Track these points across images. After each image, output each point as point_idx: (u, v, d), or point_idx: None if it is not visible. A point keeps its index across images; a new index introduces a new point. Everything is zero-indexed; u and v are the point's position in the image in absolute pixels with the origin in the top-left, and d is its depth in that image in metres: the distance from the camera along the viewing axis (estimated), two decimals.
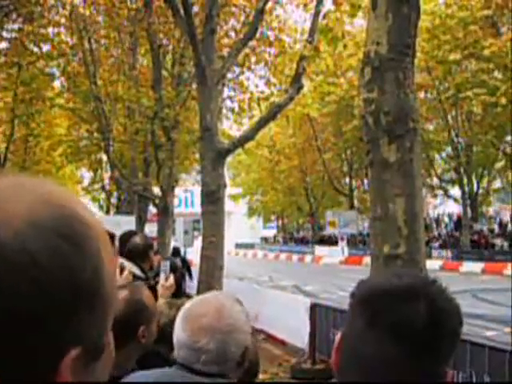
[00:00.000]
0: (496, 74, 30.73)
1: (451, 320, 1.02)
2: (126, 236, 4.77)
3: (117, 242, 4.37)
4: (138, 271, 4.24)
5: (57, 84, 22.18)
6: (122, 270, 3.78)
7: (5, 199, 0.55)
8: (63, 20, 17.65)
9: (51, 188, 0.59)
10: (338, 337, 1.07)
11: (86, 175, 37.18)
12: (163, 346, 2.46)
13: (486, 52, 28.50)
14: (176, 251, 13.83)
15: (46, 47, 18.02)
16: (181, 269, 13.35)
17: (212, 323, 1.73)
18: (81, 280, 0.55)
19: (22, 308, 0.52)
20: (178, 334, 1.76)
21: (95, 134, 21.88)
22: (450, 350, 1.03)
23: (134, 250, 4.36)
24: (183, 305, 1.83)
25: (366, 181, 38.13)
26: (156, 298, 3.29)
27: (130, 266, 4.27)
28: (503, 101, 28.71)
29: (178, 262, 11.35)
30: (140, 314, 2.28)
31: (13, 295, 0.51)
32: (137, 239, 4.54)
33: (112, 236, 3.08)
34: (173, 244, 16.15)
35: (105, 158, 24.64)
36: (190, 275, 14.01)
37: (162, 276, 3.44)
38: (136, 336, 2.26)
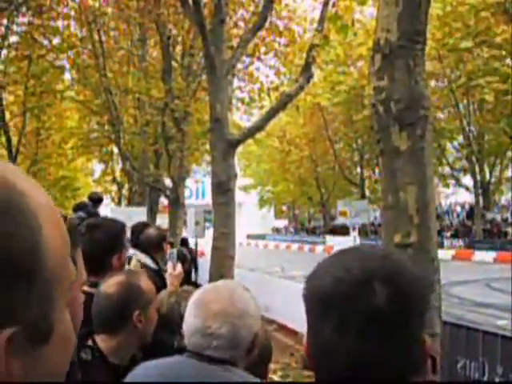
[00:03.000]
0: (508, 61, 30.44)
1: (415, 292, 0.96)
2: (139, 227, 4.86)
3: (129, 233, 4.42)
4: (150, 262, 4.29)
5: (67, 77, 22.26)
6: (129, 260, 3.83)
7: None
8: (72, 12, 17.67)
9: None
10: (304, 340, 1.04)
11: (97, 167, 37.34)
12: (166, 334, 2.47)
13: (498, 39, 28.24)
14: (184, 241, 13.88)
15: (55, 40, 18.07)
16: (189, 259, 13.40)
17: (224, 308, 1.76)
18: (11, 254, 0.50)
19: None
20: (190, 320, 1.78)
21: (106, 127, 21.95)
22: (421, 319, 0.98)
23: (147, 241, 4.44)
24: (186, 293, 1.85)
25: (377, 170, 37.98)
26: (166, 287, 3.31)
27: (143, 257, 4.32)
28: None
29: (187, 252, 11.39)
30: (134, 297, 2.28)
31: None
32: (151, 231, 4.63)
33: (123, 226, 3.09)
34: (184, 234, 16.22)
35: (116, 150, 24.72)
36: (196, 267, 14.04)
37: (170, 264, 3.45)
38: (131, 320, 2.26)
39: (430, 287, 0.99)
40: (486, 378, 6.22)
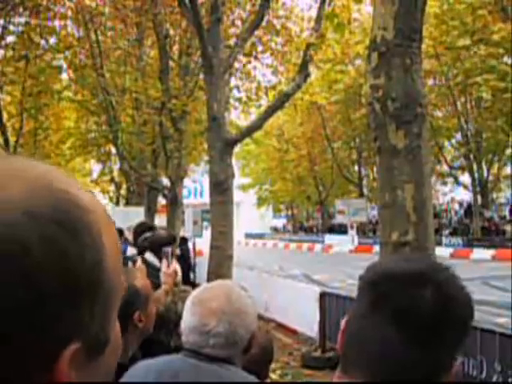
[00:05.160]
0: (505, 59, 30.44)
1: (460, 308, 0.98)
2: (141, 227, 5.00)
3: (127, 234, 4.48)
4: (157, 262, 4.33)
5: (64, 77, 22.22)
6: (134, 262, 3.86)
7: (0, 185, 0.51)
8: (69, 12, 17.64)
9: (49, 171, 0.54)
10: (344, 320, 1.05)
11: (95, 167, 37.30)
12: (163, 333, 2.47)
13: (495, 37, 28.23)
14: (184, 240, 13.88)
15: (52, 40, 18.04)
16: (188, 258, 13.38)
17: (221, 306, 1.77)
18: (78, 271, 0.51)
19: (10, 301, 0.48)
20: (187, 319, 1.79)
21: (103, 126, 21.92)
22: (458, 339, 1.00)
23: (156, 241, 4.51)
24: (182, 293, 1.85)
25: (375, 169, 38.01)
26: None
27: (150, 256, 4.38)
28: None
29: (186, 251, 11.42)
30: (132, 299, 2.28)
31: (1, 287, 0.48)
32: (162, 232, 4.82)
33: (120, 230, 3.10)
34: (181, 234, 16.20)
35: (113, 150, 24.70)
36: (190, 267, 14.04)
37: (164, 262, 3.44)
38: (132, 321, 2.26)
39: (472, 312, 1.01)
40: (484, 376, 6.23)
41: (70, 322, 0.51)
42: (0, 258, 0.48)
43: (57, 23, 17.44)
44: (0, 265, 0.48)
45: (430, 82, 33.14)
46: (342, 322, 1.05)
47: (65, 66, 19.97)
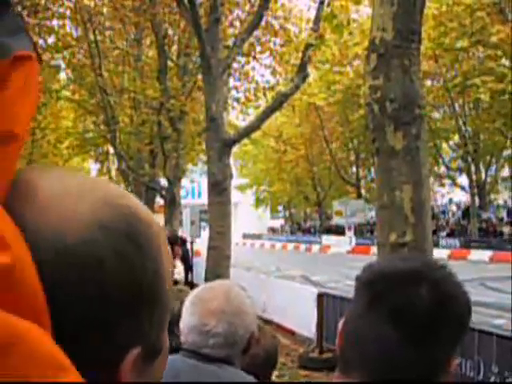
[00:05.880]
0: (503, 61, 30.48)
1: (457, 306, 0.98)
2: None
3: None
4: None
5: (62, 76, 22.20)
6: None
7: (65, 200, 0.53)
8: (68, 12, 17.62)
9: (108, 186, 0.57)
10: (342, 320, 1.05)
11: (93, 167, 37.26)
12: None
13: (494, 39, 28.26)
14: (182, 241, 13.86)
15: (50, 39, 18.02)
16: (187, 259, 13.36)
17: (221, 306, 1.77)
18: (142, 282, 0.54)
19: (87, 311, 0.51)
20: (187, 318, 1.79)
21: (101, 126, 21.90)
22: (456, 337, 1.00)
23: None
24: (180, 293, 1.85)
25: (373, 170, 38.02)
26: None
27: None
28: (510, 88, 28.50)
29: (185, 252, 11.41)
30: None
31: (78, 299, 0.51)
32: (166, 232, 4.75)
33: None
34: (180, 234, 16.18)
35: (111, 149, 24.68)
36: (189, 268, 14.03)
37: None
38: None
39: (469, 310, 1.01)
40: (481, 377, 6.23)
41: (133, 330, 0.54)
42: (78, 271, 0.51)
43: (55, 23, 17.44)
44: (79, 278, 0.51)
45: (428, 83, 33.18)
46: (340, 323, 1.05)
47: (63, 65, 19.95)
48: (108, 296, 0.52)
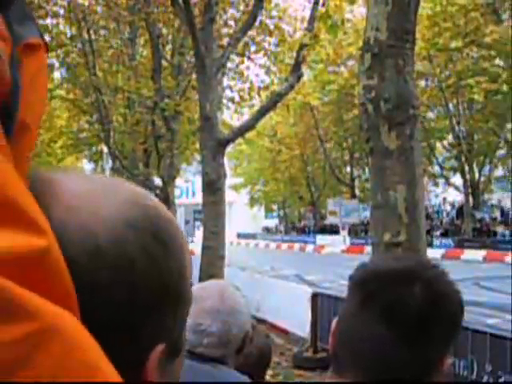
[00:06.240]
0: (497, 61, 30.60)
1: (449, 304, 0.98)
2: None
3: None
4: None
5: (56, 75, 22.11)
6: None
7: (93, 200, 0.53)
8: (61, 11, 17.57)
9: (132, 187, 0.58)
10: (335, 320, 1.05)
11: (87, 167, 37.17)
12: None
13: (487, 39, 28.37)
14: None
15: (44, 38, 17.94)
16: None
17: (215, 306, 1.77)
18: (168, 280, 0.55)
19: (115, 313, 0.51)
20: None
21: (95, 125, 21.84)
22: (448, 336, 1.00)
23: None
24: None
25: (367, 169, 38.10)
26: None
27: None
28: (504, 88, 28.62)
29: None
30: None
31: (107, 295, 0.51)
32: None
33: None
34: None
35: (105, 149, 24.62)
36: None
37: None
38: None
39: (462, 309, 1.01)
40: (474, 376, 6.25)
41: (158, 329, 0.55)
42: (110, 271, 0.51)
43: (49, 21, 17.38)
44: (111, 278, 0.51)
45: (423, 83, 33.27)
46: (333, 323, 1.05)
47: (57, 64, 19.88)
48: (137, 298, 0.52)
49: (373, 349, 0.96)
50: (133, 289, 0.52)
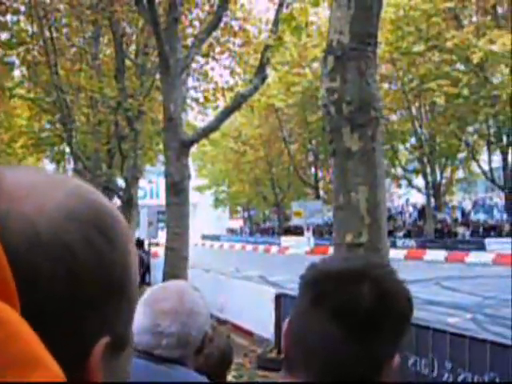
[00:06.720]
0: (458, 65, 31.23)
1: (398, 302, 0.99)
2: None
3: None
4: None
5: (17, 73, 21.68)
6: None
7: (36, 191, 0.53)
8: (23, 8, 17.24)
9: (79, 182, 0.58)
10: (286, 320, 1.05)
11: (49, 167, 36.57)
12: None
13: (449, 44, 28.94)
14: (140, 243, 13.72)
15: (4, 35, 17.59)
16: (145, 262, 13.23)
17: (174, 306, 1.76)
18: (112, 274, 0.55)
19: (56, 297, 0.51)
20: (139, 319, 1.77)
21: (57, 125, 21.49)
22: (397, 333, 1.01)
23: None
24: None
25: (331, 171, 38.37)
26: None
27: None
28: (465, 92, 29.23)
29: (142, 253, 11.28)
30: None
31: (48, 285, 0.50)
32: None
33: None
34: (136, 235, 16.02)
35: (67, 149, 24.25)
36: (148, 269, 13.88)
37: None
38: None
39: (411, 306, 1.02)
40: (435, 375, 6.35)
41: (101, 321, 0.55)
42: (50, 259, 0.50)
43: (9, 18, 17.03)
44: (48, 263, 0.50)
45: (386, 86, 33.72)
46: (285, 323, 1.05)
47: (17, 62, 19.50)
48: (79, 290, 0.52)
49: (324, 348, 0.96)
50: (75, 280, 0.52)
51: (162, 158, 20.03)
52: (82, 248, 0.52)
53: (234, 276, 19.86)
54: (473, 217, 39.33)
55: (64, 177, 0.58)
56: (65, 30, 19.01)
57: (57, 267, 0.51)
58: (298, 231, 43.81)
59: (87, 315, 0.53)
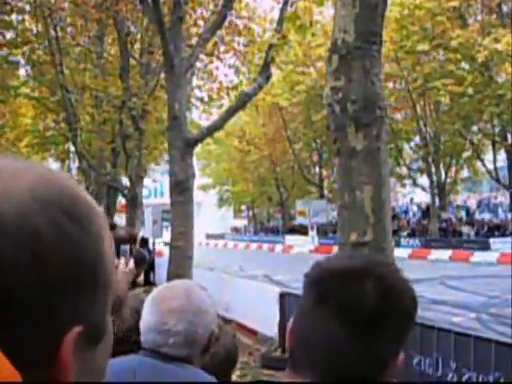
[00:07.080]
0: (463, 64, 31.13)
1: (402, 300, 0.99)
2: None
3: None
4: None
5: (22, 73, 21.74)
6: None
7: (6, 175, 0.53)
8: (28, 7, 17.27)
9: (50, 169, 0.57)
10: (291, 319, 1.05)
11: (54, 166, 36.62)
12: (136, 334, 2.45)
13: (454, 43, 28.85)
14: (144, 242, 13.71)
15: (9, 35, 17.62)
16: (149, 260, 13.20)
17: (181, 305, 1.76)
18: (84, 260, 0.54)
19: (23, 282, 0.50)
20: (146, 318, 1.77)
21: (62, 124, 21.53)
22: (401, 332, 1.00)
23: (115, 239, 4.42)
24: (143, 293, 1.84)
25: (335, 170, 38.30)
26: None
27: None
28: (470, 91, 29.14)
29: (146, 252, 11.25)
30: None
31: (13, 269, 0.49)
32: (122, 231, 4.70)
33: None
34: (141, 234, 16.01)
35: (72, 148, 24.28)
36: (153, 268, 13.86)
37: (122, 260, 3.39)
38: None
39: (415, 304, 1.02)
40: (439, 374, 6.34)
41: (73, 309, 0.53)
42: (13, 241, 0.50)
43: (14, 17, 17.06)
44: (13, 248, 0.49)
45: (390, 85, 33.64)
46: (289, 322, 1.05)
47: (22, 61, 19.54)
48: (46, 274, 0.51)
49: (327, 347, 0.96)
50: (41, 264, 0.50)
51: (166, 156, 20.05)
52: (50, 232, 0.51)
53: (238, 275, 19.86)
54: (477, 216, 39.23)
55: (40, 165, 0.58)
56: (69, 30, 19.05)
57: (21, 250, 0.50)
58: (302, 230, 43.76)
59: (57, 302, 0.52)
